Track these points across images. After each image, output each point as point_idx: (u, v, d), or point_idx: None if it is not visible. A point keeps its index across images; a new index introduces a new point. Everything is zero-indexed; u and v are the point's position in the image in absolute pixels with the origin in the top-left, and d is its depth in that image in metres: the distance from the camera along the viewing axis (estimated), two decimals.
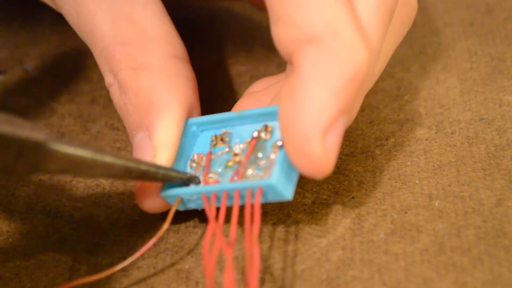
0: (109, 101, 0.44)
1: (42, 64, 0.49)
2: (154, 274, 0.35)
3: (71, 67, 0.48)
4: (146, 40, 0.36)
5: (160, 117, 0.35)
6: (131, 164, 0.33)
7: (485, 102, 0.41)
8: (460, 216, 0.35)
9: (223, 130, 0.36)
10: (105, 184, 0.40)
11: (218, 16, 0.50)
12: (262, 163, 0.34)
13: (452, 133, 0.39)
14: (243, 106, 0.38)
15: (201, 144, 0.37)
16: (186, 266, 0.36)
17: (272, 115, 0.35)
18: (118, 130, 0.43)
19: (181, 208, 0.35)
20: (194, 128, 0.37)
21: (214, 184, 0.35)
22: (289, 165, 0.33)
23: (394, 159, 0.39)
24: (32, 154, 0.31)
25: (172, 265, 0.36)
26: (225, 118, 0.36)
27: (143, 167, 0.34)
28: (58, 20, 0.40)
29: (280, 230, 0.36)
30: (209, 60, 0.47)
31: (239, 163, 0.35)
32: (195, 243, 0.36)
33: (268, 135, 0.35)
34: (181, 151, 0.36)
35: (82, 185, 0.40)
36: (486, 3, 0.47)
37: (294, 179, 0.34)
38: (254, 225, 0.32)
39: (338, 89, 0.32)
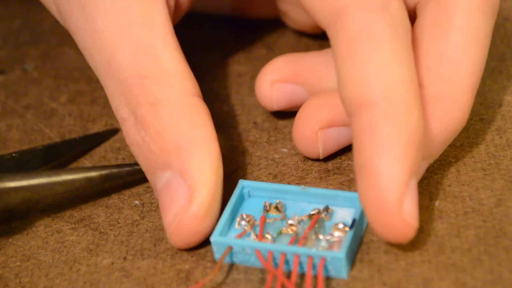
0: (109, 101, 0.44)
1: (42, 64, 0.49)
2: (154, 274, 0.35)
3: (71, 67, 0.48)
4: (166, 76, 0.36)
5: (192, 156, 0.35)
6: (92, 174, 0.38)
7: (485, 102, 0.41)
8: (460, 216, 0.35)
9: (278, 200, 0.37)
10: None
11: (219, 15, 0.50)
12: (325, 238, 0.34)
13: None
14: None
15: (250, 207, 0.37)
16: (186, 266, 0.35)
17: (336, 199, 0.36)
18: (118, 130, 0.43)
19: (227, 260, 0.35)
20: (246, 190, 0.37)
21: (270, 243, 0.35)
22: (352, 248, 0.34)
23: None
24: None
25: (172, 265, 0.36)
26: (283, 189, 0.37)
27: (104, 172, 0.38)
28: (58, 20, 0.40)
29: None
30: (209, 60, 0.47)
31: (295, 232, 0.35)
32: None
33: (328, 217, 0.36)
34: (230, 208, 0.36)
35: None
36: None
37: (351, 263, 0.34)
38: None
39: (398, 155, 0.32)
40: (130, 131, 0.36)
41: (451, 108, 0.35)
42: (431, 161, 0.36)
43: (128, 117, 0.36)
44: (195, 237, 0.35)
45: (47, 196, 0.37)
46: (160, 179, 0.36)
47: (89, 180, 0.38)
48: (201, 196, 0.35)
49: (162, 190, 0.36)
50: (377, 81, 0.33)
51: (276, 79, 0.40)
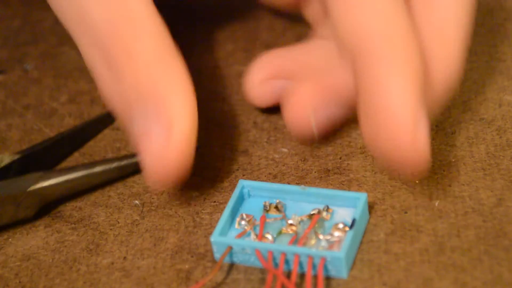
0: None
1: (42, 64, 0.49)
2: (154, 274, 0.35)
3: (71, 67, 0.48)
4: (142, 33, 0.36)
5: (170, 97, 0.35)
6: (123, 163, 0.40)
7: (485, 102, 0.41)
8: (460, 216, 0.36)
9: (278, 200, 0.37)
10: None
11: (218, 15, 0.50)
12: (325, 238, 0.35)
13: (452, 133, 0.39)
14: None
15: (250, 207, 0.37)
16: (186, 266, 0.36)
17: (336, 199, 0.36)
18: (118, 130, 0.43)
19: (227, 260, 0.35)
20: (246, 190, 0.37)
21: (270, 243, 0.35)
22: (352, 248, 0.34)
23: None
24: (27, 200, 0.38)
25: (172, 265, 0.36)
26: (283, 189, 0.37)
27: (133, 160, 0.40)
28: (58, 20, 0.40)
29: None
30: (209, 60, 0.47)
31: (295, 232, 0.35)
32: (195, 243, 0.36)
33: (328, 216, 0.36)
34: (230, 207, 0.36)
35: None
36: (486, 3, 0.47)
37: (351, 263, 0.34)
38: None
39: (406, 86, 0.33)
40: (107, 85, 0.36)
41: (445, 58, 0.36)
42: (435, 113, 0.37)
43: (105, 73, 0.36)
44: (175, 172, 0.35)
45: (84, 188, 0.39)
46: (137, 124, 0.36)
47: (120, 169, 0.40)
48: (180, 125, 0.35)
49: (142, 133, 0.36)
50: (376, 24, 0.34)
51: (264, 77, 0.40)
